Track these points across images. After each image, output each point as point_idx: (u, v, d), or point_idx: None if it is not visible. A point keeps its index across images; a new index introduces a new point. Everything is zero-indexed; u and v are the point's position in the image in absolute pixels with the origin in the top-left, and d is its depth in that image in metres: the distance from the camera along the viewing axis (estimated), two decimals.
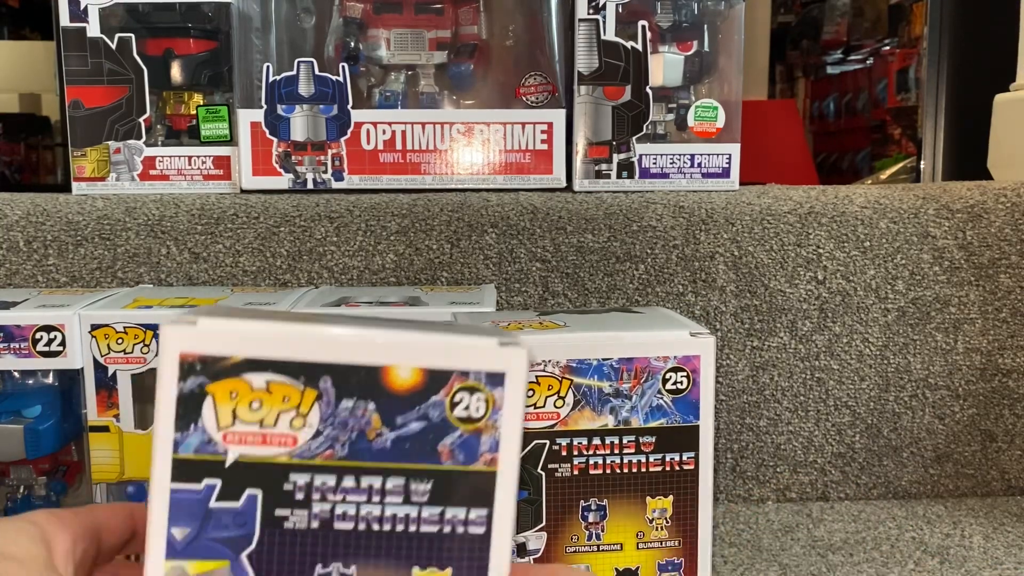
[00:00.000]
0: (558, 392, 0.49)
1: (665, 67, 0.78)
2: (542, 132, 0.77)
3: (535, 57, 0.77)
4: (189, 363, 0.31)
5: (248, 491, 0.32)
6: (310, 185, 0.77)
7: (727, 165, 0.79)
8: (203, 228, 0.74)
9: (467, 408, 0.32)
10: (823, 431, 0.77)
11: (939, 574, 0.64)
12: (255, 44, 0.75)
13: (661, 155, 0.78)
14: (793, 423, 0.76)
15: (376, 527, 0.32)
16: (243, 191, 0.77)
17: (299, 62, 0.75)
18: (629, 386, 0.50)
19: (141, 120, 0.77)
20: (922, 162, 1.84)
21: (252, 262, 0.74)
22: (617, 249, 0.75)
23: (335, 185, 0.77)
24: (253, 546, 0.32)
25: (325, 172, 0.77)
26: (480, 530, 0.33)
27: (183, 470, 0.31)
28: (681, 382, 0.50)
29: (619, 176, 0.78)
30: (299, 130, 0.76)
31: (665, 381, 0.50)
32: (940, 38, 1.76)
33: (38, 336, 0.57)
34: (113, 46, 0.75)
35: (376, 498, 0.32)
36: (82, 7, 0.74)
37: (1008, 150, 0.94)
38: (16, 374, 0.60)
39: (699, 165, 0.79)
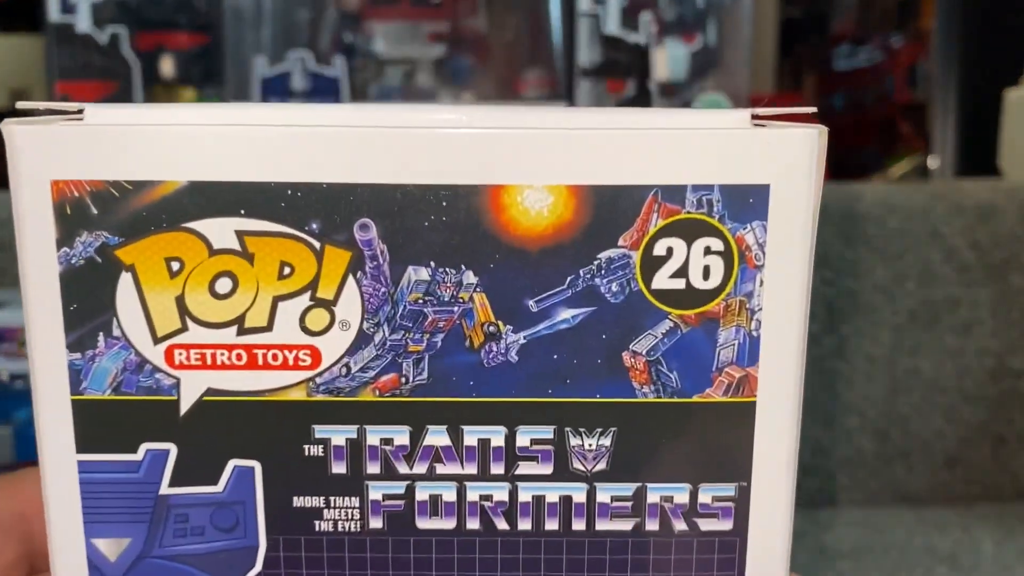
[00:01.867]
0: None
1: (669, 61, 0.77)
2: None
3: (536, 51, 0.77)
4: (75, 204, 0.16)
5: (233, 463, 0.17)
6: None
7: None
8: None
9: (684, 270, 0.17)
10: (831, 435, 0.76)
11: None
12: (248, 38, 0.75)
13: None
14: (801, 427, 0.75)
15: (502, 527, 0.17)
16: None
17: (293, 56, 0.74)
18: None
19: None
20: (932, 159, 1.83)
21: None
22: None
23: None
24: (258, 568, 0.18)
25: None
26: (724, 526, 0.18)
27: (96, 426, 0.17)
28: None
29: None
30: None
31: None
32: (950, 32, 1.74)
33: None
34: (104, 41, 0.74)
35: (497, 469, 0.17)
36: (71, 1, 0.73)
37: (1020, 147, 0.92)
38: (5, 376, 0.60)
39: None
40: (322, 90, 0.75)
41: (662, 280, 0.16)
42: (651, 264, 0.16)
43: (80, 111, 0.16)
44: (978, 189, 0.78)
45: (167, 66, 0.76)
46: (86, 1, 0.74)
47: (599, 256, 0.16)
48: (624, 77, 0.76)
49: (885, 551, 0.68)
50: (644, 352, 0.17)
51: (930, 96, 1.88)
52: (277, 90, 0.75)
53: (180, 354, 0.17)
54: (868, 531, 0.71)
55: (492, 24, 0.77)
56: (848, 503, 0.77)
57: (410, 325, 0.17)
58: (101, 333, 0.17)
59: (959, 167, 1.64)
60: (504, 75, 0.77)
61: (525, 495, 0.17)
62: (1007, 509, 0.75)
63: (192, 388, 0.17)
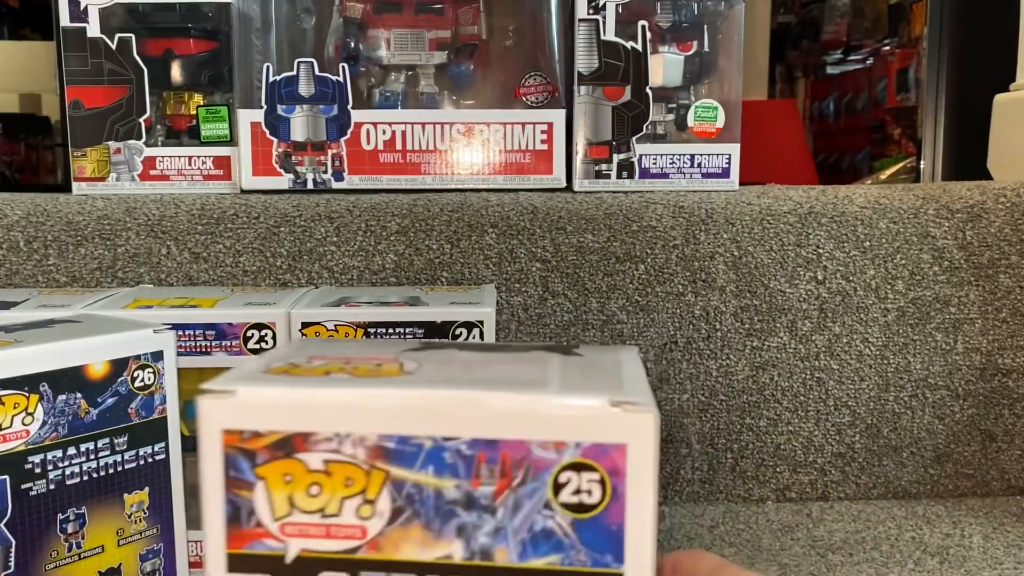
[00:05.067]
0: (363, 492, 0.28)
1: (665, 67, 0.78)
2: (542, 132, 0.77)
3: (535, 57, 0.77)
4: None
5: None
6: (310, 185, 0.77)
7: (727, 165, 0.79)
8: (203, 228, 0.74)
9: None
10: (823, 431, 0.76)
11: (939, 574, 0.63)
12: (255, 44, 0.75)
13: (661, 155, 0.78)
14: (793, 423, 0.76)
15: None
16: (243, 191, 0.77)
17: (299, 62, 0.75)
18: (492, 490, 0.27)
19: (141, 120, 0.76)
20: (922, 162, 1.84)
21: (252, 262, 0.74)
22: (617, 249, 0.75)
23: (335, 185, 0.77)
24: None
25: (325, 172, 0.77)
26: (162, 457, 0.50)
27: None
28: (590, 491, 0.27)
29: (619, 176, 0.78)
30: (299, 130, 0.76)
31: (559, 487, 0.27)
32: (940, 38, 1.76)
33: None
34: (113, 46, 0.75)
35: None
36: (82, 7, 0.74)
37: (1008, 150, 0.94)
38: None
39: (699, 165, 0.79)
40: (327, 95, 0.76)
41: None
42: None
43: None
44: (967, 191, 0.79)
45: (176, 71, 0.77)
46: (96, 7, 0.74)
47: None
48: (621, 83, 0.78)
49: (876, 544, 0.68)
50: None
51: (920, 100, 1.89)
52: (283, 96, 0.76)
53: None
54: (859, 525, 0.72)
55: (492, 31, 0.78)
56: (839, 497, 0.77)
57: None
58: None
59: (948, 169, 1.65)
60: (504, 81, 0.78)
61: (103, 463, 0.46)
62: (996, 503, 0.76)
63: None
